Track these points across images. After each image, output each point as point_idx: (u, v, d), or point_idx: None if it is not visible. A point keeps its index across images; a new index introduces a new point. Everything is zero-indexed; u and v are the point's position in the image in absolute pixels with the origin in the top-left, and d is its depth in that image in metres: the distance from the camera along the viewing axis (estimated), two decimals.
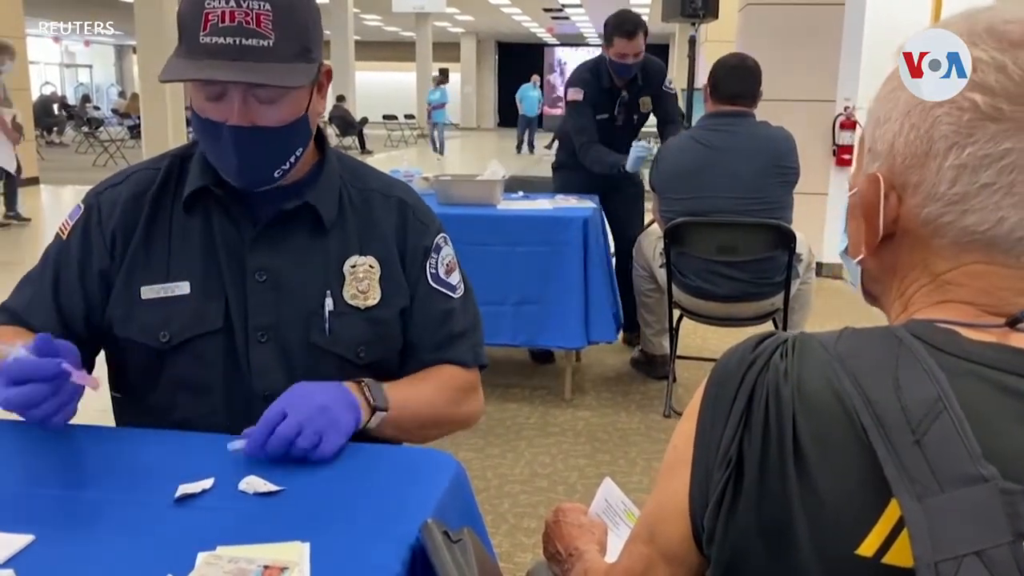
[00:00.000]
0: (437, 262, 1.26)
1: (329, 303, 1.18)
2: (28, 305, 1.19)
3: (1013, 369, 0.58)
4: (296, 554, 0.80)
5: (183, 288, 1.16)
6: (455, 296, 1.27)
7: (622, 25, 3.59)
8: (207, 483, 0.93)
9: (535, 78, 20.41)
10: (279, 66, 1.05)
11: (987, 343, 0.60)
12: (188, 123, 1.80)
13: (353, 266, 1.20)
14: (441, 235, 1.28)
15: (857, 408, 0.58)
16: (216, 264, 1.17)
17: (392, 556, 0.81)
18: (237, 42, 1.03)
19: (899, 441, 0.56)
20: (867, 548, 0.57)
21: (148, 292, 1.16)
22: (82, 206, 1.22)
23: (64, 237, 1.20)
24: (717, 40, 7.92)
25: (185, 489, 0.91)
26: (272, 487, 0.92)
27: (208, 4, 1.03)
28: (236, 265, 1.17)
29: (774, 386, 0.62)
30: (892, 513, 0.57)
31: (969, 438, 0.55)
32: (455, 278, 1.28)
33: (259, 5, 1.04)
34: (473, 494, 1.07)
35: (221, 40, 1.03)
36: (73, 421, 1.12)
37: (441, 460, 1.01)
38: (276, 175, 1.15)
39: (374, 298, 1.20)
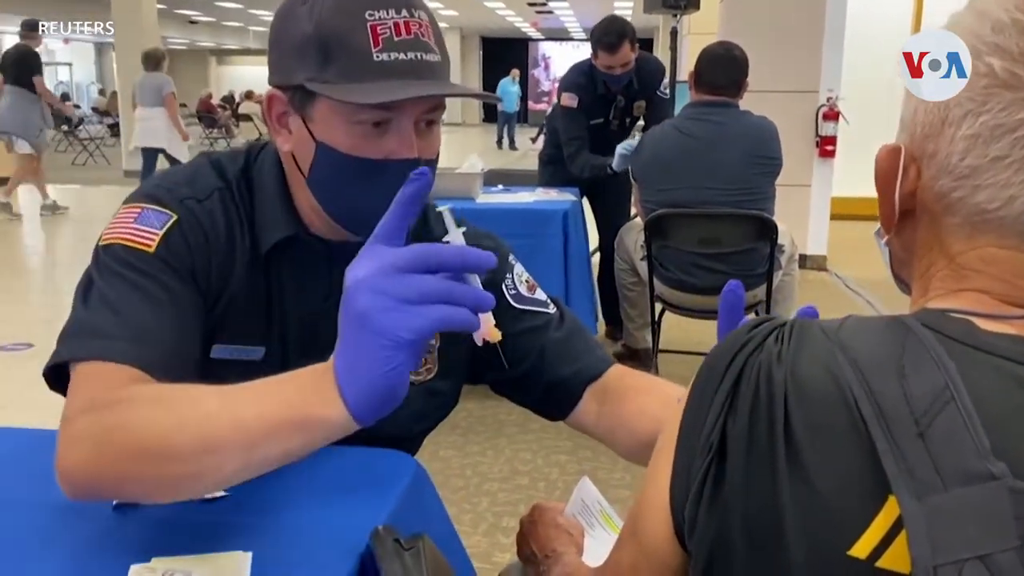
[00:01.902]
0: (513, 282, 1.11)
1: None
2: (174, 344, 0.88)
3: None
4: (236, 565, 0.75)
5: (256, 353, 1.00)
6: (550, 311, 1.12)
7: (603, 38, 3.50)
8: None
9: (515, 72, 20.10)
10: (450, 84, 0.94)
11: (1004, 334, 0.55)
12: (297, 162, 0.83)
13: None
14: (509, 255, 1.13)
15: (857, 397, 0.53)
16: (284, 326, 1.01)
17: (339, 566, 0.75)
18: (418, 57, 0.89)
19: (901, 433, 0.51)
20: (860, 549, 0.52)
21: (220, 351, 0.98)
22: (168, 212, 0.94)
23: (151, 250, 0.91)
24: (700, 32, 7.88)
25: None
26: (215, 492, 0.86)
27: (371, 15, 0.88)
28: (307, 333, 1.01)
29: (766, 368, 0.57)
30: (890, 512, 0.52)
31: (978, 432, 0.50)
32: (541, 295, 1.13)
33: (424, 16, 0.91)
34: (437, 495, 1.02)
35: (402, 56, 0.88)
36: (14, 424, 1.07)
37: (399, 461, 0.96)
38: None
39: (431, 371, 1.09)
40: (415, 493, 0.93)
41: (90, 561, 0.76)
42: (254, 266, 0.99)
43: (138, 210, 0.94)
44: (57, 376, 0.88)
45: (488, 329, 0.72)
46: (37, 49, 7.60)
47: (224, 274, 0.97)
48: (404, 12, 0.89)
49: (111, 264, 0.90)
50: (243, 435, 0.70)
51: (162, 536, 0.79)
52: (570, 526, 1.03)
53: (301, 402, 0.70)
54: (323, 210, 0.97)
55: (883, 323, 0.58)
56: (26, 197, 8.60)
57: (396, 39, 0.88)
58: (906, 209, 0.62)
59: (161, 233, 0.92)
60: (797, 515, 0.54)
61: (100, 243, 0.93)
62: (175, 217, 0.94)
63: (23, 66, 7.31)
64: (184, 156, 8.14)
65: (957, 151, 0.57)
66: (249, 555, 0.76)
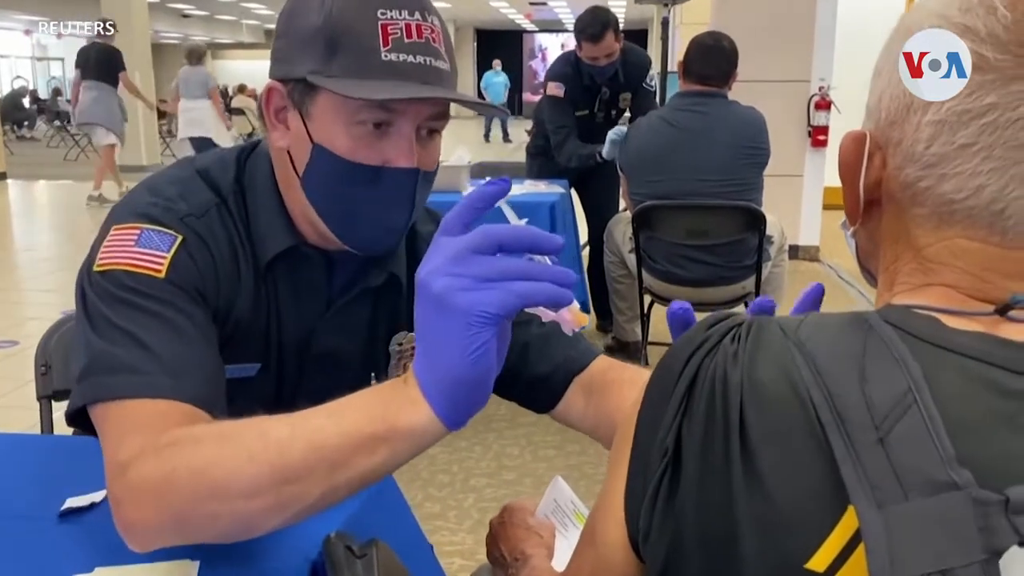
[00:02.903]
0: None
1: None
2: (209, 373, 0.82)
3: (999, 363, 0.50)
4: (182, 575, 0.72)
5: (252, 369, 0.97)
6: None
7: (586, 29, 3.46)
8: (98, 496, 0.84)
9: (497, 63, 19.97)
10: (457, 92, 0.91)
11: (971, 332, 0.52)
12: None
13: (400, 344, 1.05)
14: None
15: (815, 401, 0.50)
16: (280, 339, 0.98)
17: (289, 574, 0.73)
18: (427, 62, 0.86)
19: (860, 440, 0.48)
20: (818, 562, 0.49)
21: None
22: (172, 233, 0.87)
23: (161, 274, 0.83)
24: (692, 23, 7.85)
25: (72, 503, 0.83)
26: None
27: (384, 14, 0.85)
28: (300, 344, 0.99)
29: (722, 370, 0.54)
30: (849, 523, 0.49)
31: (941, 438, 0.47)
32: None
33: (436, 22, 0.88)
34: (402, 497, 0.99)
35: (411, 58, 0.85)
36: None
37: None
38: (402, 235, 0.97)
39: None
40: (376, 497, 0.90)
41: (31, 572, 0.74)
42: (256, 282, 0.94)
43: (136, 231, 0.85)
44: (73, 413, 0.82)
45: (575, 314, 0.67)
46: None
47: (231, 294, 0.92)
48: (417, 15, 0.86)
49: (115, 292, 0.81)
50: (324, 457, 0.65)
51: (106, 545, 0.76)
52: (541, 527, 1.00)
53: (382, 412, 0.65)
54: (314, 212, 0.92)
55: (844, 321, 0.55)
56: (15, 191, 8.55)
57: (407, 41, 0.85)
58: (872, 199, 0.59)
59: (169, 256, 0.84)
60: (753, 525, 0.51)
61: (95, 268, 0.83)
62: (181, 238, 0.86)
63: (110, 64, 7.74)
64: (227, 144, 8.34)
65: (923, 138, 0.54)
66: (196, 564, 0.74)
